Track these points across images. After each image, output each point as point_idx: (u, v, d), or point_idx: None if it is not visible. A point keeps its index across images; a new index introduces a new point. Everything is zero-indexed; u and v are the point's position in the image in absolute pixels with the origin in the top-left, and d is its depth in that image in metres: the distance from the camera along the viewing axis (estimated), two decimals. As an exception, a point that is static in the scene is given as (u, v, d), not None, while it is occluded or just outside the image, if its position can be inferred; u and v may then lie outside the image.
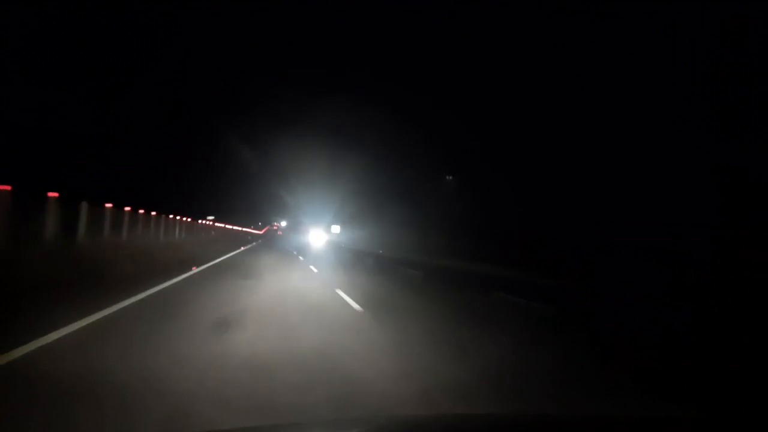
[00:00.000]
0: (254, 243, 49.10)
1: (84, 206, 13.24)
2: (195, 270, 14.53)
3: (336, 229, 61.64)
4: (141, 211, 18.51)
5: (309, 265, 20.09)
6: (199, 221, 38.12)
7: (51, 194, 11.45)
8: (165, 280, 10.86)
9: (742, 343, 7.25)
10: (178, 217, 25.54)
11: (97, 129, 43.92)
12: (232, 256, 22.65)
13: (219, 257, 20.78)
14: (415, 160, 50.05)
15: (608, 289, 13.16)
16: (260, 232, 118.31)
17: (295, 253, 31.19)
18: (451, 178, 43.53)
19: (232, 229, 62.51)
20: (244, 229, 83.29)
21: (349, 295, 10.57)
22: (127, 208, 16.80)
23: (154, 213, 20.55)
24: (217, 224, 51.00)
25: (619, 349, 6.64)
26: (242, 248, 32.70)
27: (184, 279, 11.93)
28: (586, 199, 24.02)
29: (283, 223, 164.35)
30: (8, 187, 9.73)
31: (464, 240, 31.65)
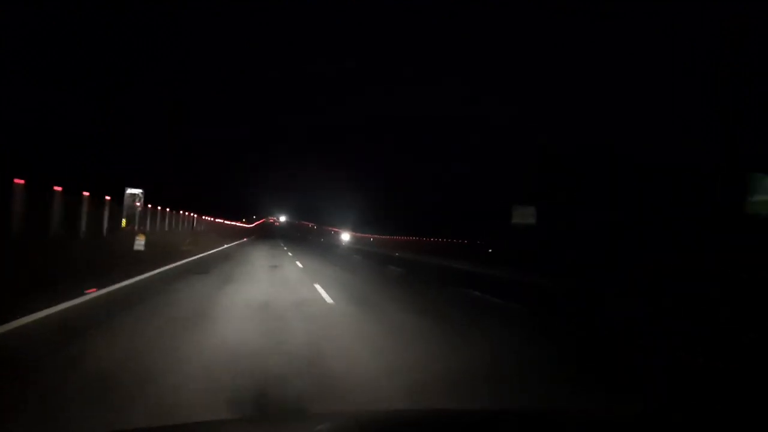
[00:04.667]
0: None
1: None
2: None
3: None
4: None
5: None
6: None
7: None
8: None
9: (741, 342, 7.27)
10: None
11: (97, 129, 43.89)
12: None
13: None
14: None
15: (609, 289, 13.19)
16: (250, 226, 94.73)
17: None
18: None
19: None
20: (226, 222, 59.15)
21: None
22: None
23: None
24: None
25: (616, 349, 6.61)
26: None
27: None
28: (584, 199, 24.03)
29: (282, 218, 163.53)
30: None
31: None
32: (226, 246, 31.78)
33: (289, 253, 26.64)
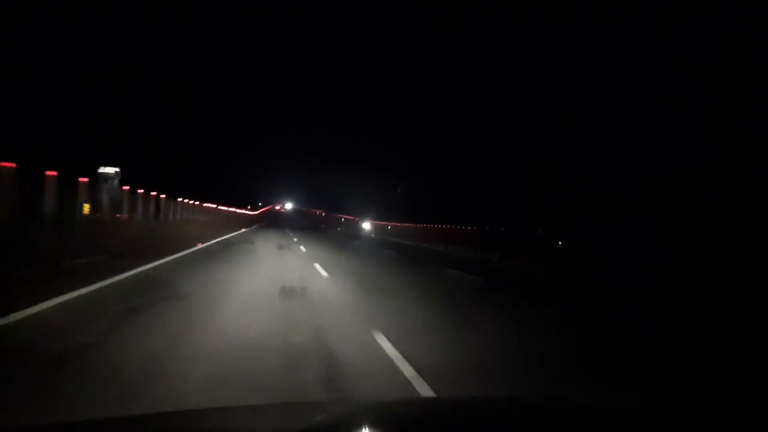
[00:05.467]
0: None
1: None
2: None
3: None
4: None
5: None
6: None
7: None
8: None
9: (738, 341, 7.49)
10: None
11: (97, 128, 43.53)
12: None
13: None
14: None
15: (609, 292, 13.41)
16: (254, 213, 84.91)
17: None
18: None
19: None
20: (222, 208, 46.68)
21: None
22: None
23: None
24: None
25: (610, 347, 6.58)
26: None
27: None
28: (584, 199, 24.12)
29: (288, 205, 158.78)
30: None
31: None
32: (200, 246, 18.93)
33: (318, 267, 13.29)
